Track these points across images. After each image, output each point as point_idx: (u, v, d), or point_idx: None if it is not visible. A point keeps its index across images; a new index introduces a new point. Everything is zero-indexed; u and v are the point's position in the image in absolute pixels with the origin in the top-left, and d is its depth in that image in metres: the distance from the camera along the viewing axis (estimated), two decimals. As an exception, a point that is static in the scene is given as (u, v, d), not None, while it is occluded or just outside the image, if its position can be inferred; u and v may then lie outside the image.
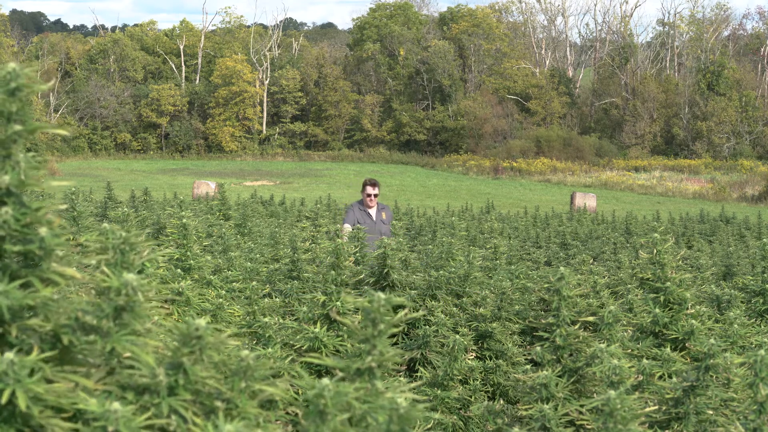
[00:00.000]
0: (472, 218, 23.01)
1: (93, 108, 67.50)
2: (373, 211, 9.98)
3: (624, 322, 4.97)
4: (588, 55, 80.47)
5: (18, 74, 1.74)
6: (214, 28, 79.17)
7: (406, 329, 5.45)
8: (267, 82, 71.22)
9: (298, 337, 4.57)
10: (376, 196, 10.00)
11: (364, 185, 10.06)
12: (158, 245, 6.12)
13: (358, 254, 6.15)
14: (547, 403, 3.56)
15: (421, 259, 6.67)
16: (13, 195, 1.75)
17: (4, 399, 1.59)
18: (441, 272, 5.71)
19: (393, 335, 5.26)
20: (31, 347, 1.75)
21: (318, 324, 4.66)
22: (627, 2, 76.94)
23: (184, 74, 73.79)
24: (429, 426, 4.34)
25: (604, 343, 3.86)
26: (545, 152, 62.05)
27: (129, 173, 53.07)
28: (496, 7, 78.40)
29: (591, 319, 4.37)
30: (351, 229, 10.23)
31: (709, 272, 10.39)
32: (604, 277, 7.07)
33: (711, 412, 3.55)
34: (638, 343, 4.50)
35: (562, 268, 4.22)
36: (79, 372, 1.77)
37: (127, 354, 1.82)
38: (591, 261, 8.45)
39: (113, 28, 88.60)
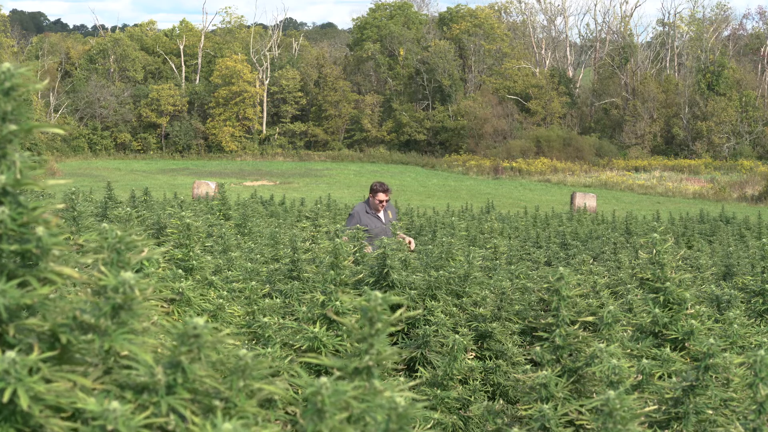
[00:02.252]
0: (472, 218, 23.00)
1: (93, 108, 67.50)
2: (381, 214, 9.72)
3: (624, 322, 4.96)
4: (588, 55, 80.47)
5: (13, 74, 1.74)
6: (214, 28, 79.24)
7: (406, 329, 5.44)
8: (267, 82, 71.22)
9: (297, 337, 4.57)
10: (387, 201, 9.69)
11: (376, 191, 9.59)
12: (158, 245, 6.12)
13: (357, 254, 6.15)
14: (546, 403, 3.56)
15: (421, 259, 6.66)
16: (9, 194, 1.75)
17: (6, 398, 1.59)
18: (441, 272, 5.70)
19: (392, 335, 5.27)
20: (29, 346, 1.75)
21: (317, 324, 4.66)
22: (627, 2, 76.98)
23: (184, 74, 73.80)
24: (428, 426, 4.33)
25: (603, 343, 3.86)
26: (545, 152, 62.04)
27: (129, 173, 53.07)
28: (496, 7, 78.41)
29: (590, 319, 4.37)
30: None
31: (709, 272, 10.38)
32: (604, 277, 7.07)
33: (711, 411, 3.55)
34: (638, 343, 4.49)
35: (561, 268, 4.21)
36: (77, 371, 1.77)
37: (125, 352, 1.82)
38: (591, 261, 8.45)
39: (113, 28, 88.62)
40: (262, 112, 71.03)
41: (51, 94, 67.16)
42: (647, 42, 78.10)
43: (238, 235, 11.20)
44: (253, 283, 5.51)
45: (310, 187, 47.01)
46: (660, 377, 4.07)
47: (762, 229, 20.24)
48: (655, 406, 3.60)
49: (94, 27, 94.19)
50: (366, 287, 5.50)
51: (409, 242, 8.57)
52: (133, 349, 1.78)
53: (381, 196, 9.58)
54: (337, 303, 4.73)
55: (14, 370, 1.61)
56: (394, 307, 5.06)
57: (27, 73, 1.77)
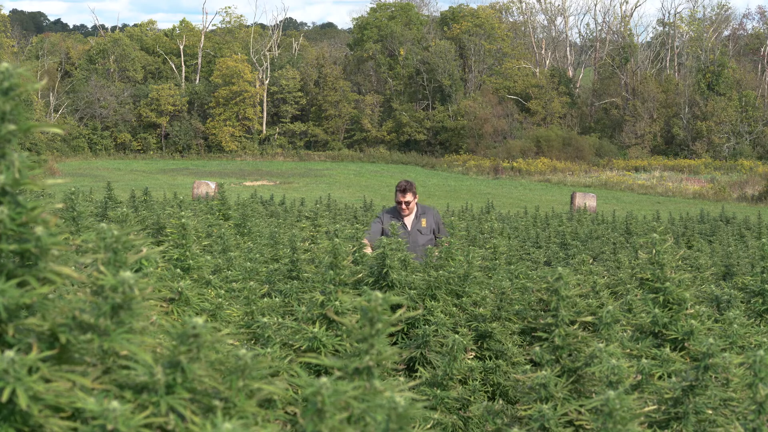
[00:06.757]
0: (472, 218, 22.99)
1: (93, 108, 67.50)
2: (408, 220, 8.50)
3: (623, 322, 4.96)
4: (588, 55, 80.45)
5: (11, 74, 1.74)
6: (214, 28, 79.22)
7: (405, 329, 5.44)
8: (267, 82, 71.20)
9: (297, 337, 4.57)
10: (407, 204, 8.39)
11: (395, 191, 8.49)
12: (157, 244, 6.11)
13: (357, 254, 6.15)
14: (546, 403, 3.56)
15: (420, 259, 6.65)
16: (8, 194, 1.75)
17: (5, 397, 1.59)
18: (440, 272, 5.70)
19: (392, 335, 5.27)
20: (28, 346, 1.74)
21: (317, 324, 4.65)
22: (627, 2, 76.95)
23: (184, 74, 73.78)
24: (428, 426, 4.33)
25: (603, 343, 3.85)
26: (545, 152, 62.04)
27: (129, 173, 53.06)
28: (497, 7, 78.41)
29: (589, 319, 4.37)
30: (371, 249, 7.18)
31: (708, 272, 10.38)
32: (603, 277, 7.07)
33: (710, 411, 3.55)
34: (637, 343, 4.49)
35: (560, 268, 4.21)
36: (76, 371, 1.77)
37: (125, 352, 1.82)
38: (591, 261, 8.44)
39: (113, 28, 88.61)
40: (262, 112, 71.02)
41: (51, 94, 67.15)
42: (647, 42, 78.10)
43: (238, 235, 11.20)
44: (252, 282, 5.51)
45: (310, 187, 47.01)
46: (660, 377, 4.07)
47: (762, 229, 20.23)
48: (655, 406, 3.60)
49: (94, 27, 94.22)
50: (365, 287, 5.50)
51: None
52: (133, 348, 1.78)
53: (398, 195, 8.42)
54: (337, 303, 4.73)
55: (13, 369, 1.61)
56: (394, 307, 5.06)
57: (25, 73, 1.77)
